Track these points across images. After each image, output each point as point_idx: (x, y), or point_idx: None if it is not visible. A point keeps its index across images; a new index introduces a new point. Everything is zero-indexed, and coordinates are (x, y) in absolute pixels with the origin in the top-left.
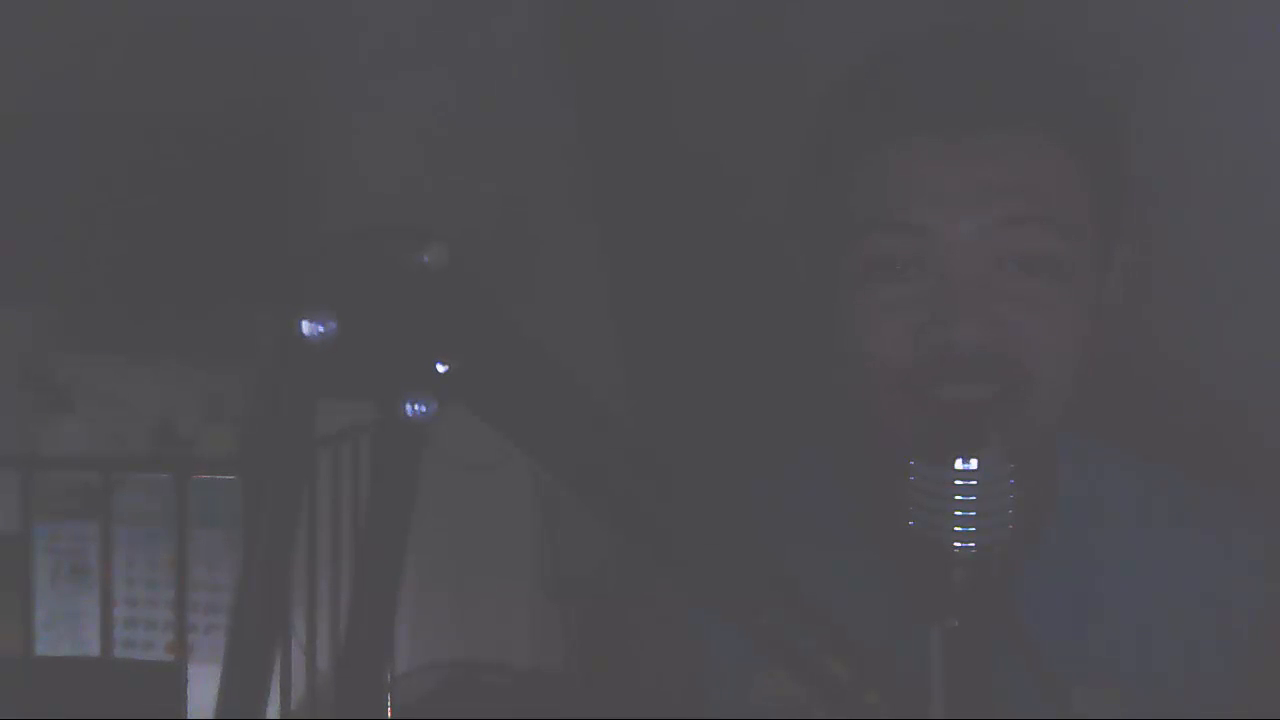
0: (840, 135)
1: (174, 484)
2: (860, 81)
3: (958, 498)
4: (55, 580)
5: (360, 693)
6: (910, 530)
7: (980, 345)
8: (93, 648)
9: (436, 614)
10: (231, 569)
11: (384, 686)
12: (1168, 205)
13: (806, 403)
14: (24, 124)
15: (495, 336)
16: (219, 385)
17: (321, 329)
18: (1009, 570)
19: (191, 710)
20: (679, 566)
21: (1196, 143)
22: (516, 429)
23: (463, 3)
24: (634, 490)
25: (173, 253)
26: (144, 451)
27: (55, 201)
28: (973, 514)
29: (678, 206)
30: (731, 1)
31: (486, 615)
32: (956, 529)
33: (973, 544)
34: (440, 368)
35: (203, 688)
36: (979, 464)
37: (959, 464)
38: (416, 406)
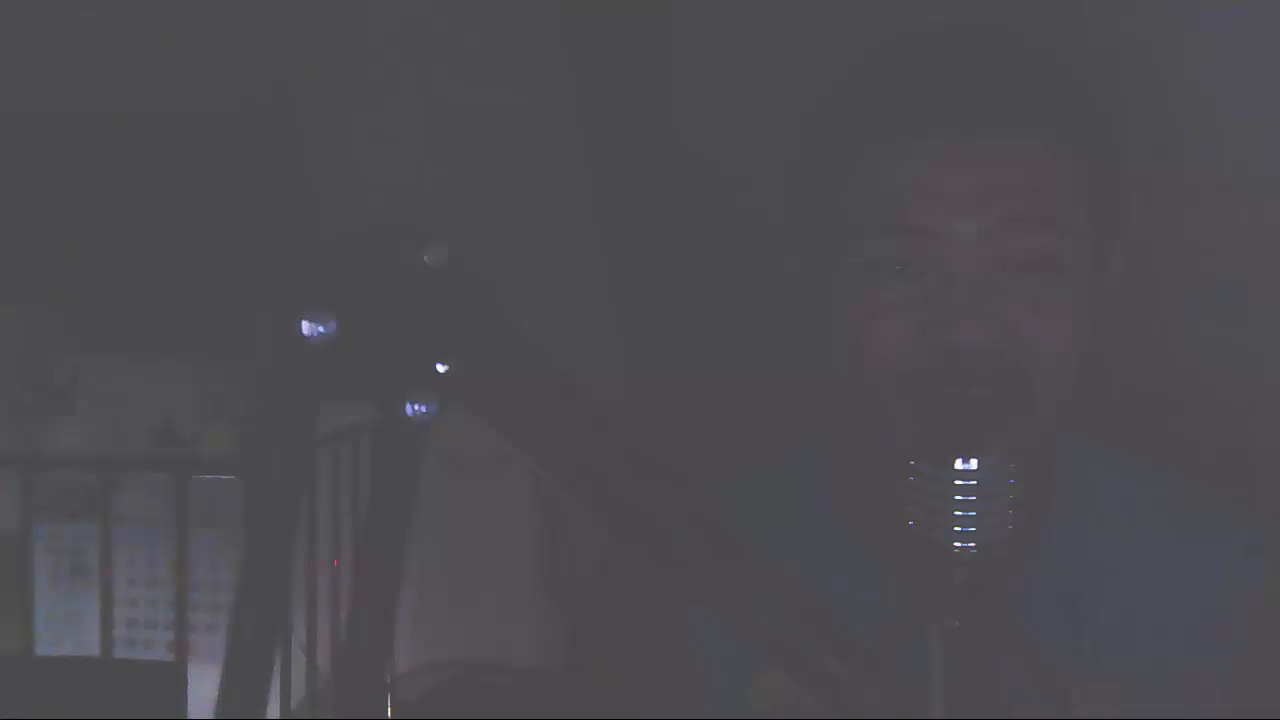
0: (840, 136)
1: (174, 484)
2: (860, 82)
3: (958, 498)
4: (55, 580)
5: (360, 693)
6: (910, 530)
7: (981, 346)
8: (93, 648)
9: (436, 614)
10: (231, 569)
11: (384, 686)
12: (1168, 205)
13: (806, 403)
14: (24, 124)
15: (495, 336)
16: (219, 385)
17: (322, 329)
18: (1009, 570)
19: (191, 710)
20: (678, 566)
21: (1196, 143)
22: (516, 429)
23: (463, 2)
24: (634, 490)
25: (173, 252)
26: (144, 451)
27: (55, 201)
28: (973, 514)
29: (678, 206)
30: (732, 2)
31: (486, 615)
32: (956, 529)
33: (973, 544)
34: (440, 368)
35: (203, 688)
36: (979, 464)
37: (959, 464)
38: (416, 406)
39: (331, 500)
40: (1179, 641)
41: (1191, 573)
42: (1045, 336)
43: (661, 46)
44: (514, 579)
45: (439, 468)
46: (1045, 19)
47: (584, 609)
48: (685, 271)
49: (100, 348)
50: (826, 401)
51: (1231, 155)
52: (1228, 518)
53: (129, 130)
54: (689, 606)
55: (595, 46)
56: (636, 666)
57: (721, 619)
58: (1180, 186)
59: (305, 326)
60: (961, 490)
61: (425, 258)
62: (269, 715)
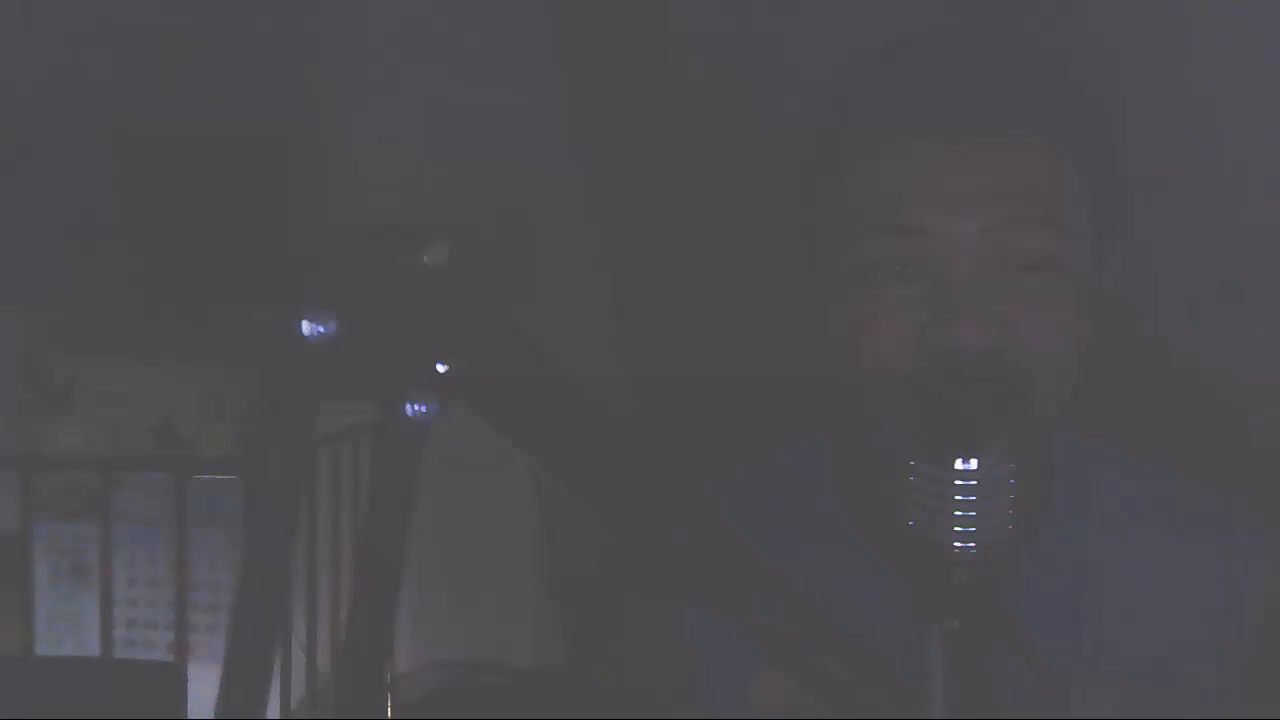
0: (840, 136)
1: (174, 484)
2: (860, 82)
3: (958, 498)
4: (55, 580)
5: (360, 693)
6: (910, 530)
7: (981, 346)
8: (93, 648)
9: (436, 614)
10: (231, 569)
11: (384, 686)
12: (1168, 205)
13: (806, 403)
14: (24, 124)
15: (495, 336)
16: (219, 385)
17: (322, 329)
18: (1009, 570)
19: (191, 710)
20: (678, 566)
21: (1196, 143)
22: (516, 429)
23: (463, 2)
24: (634, 490)
25: (173, 252)
26: (144, 451)
27: (55, 201)
28: (973, 514)
29: (678, 206)
30: (732, 2)
31: (486, 615)
32: (956, 529)
33: (973, 544)
34: (440, 368)
35: (203, 688)
36: (979, 464)
37: (959, 464)
38: (416, 406)
39: (331, 500)
40: (1179, 641)
41: (1191, 573)
42: (1045, 336)
43: (661, 46)
44: (514, 579)
45: (439, 468)
46: (1045, 19)
47: (584, 609)
48: (685, 271)
49: (100, 348)
50: (826, 401)
51: (1231, 155)
52: (1228, 518)
53: (129, 130)
54: (689, 606)
55: (595, 46)
56: (636, 666)
57: (721, 619)
58: (1180, 186)
59: (305, 326)
60: (961, 490)
61: (425, 258)
62: (269, 715)
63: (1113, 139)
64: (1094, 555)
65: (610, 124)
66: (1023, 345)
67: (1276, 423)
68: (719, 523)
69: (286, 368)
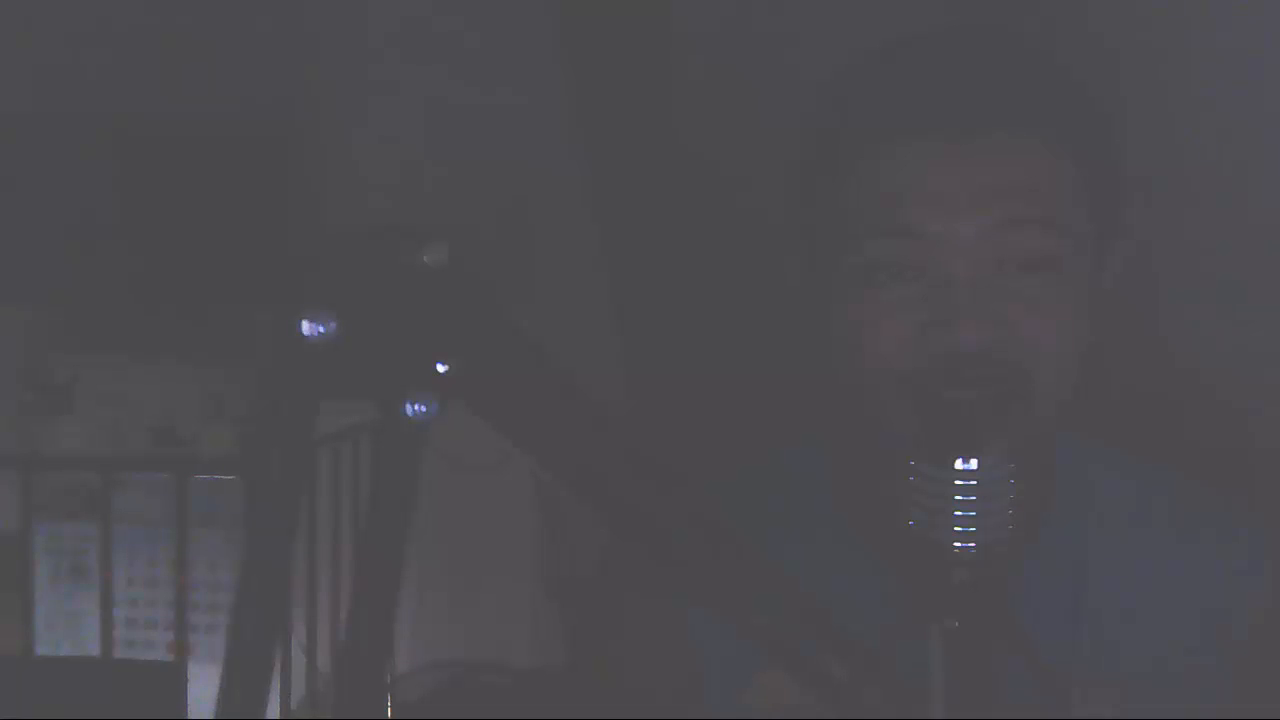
0: (840, 137)
1: (174, 484)
2: (860, 82)
3: (958, 498)
4: (55, 580)
5: (360, 693)
6: (910, 530)
7: (981, 346)
8: (93, 648)
9: (436, 614)
10: (231, 569)
11: (384, 686)
12: (1168, 205)
13: (806, 403)
14: (24, 124)
15: (495, 336)
16: (219, 385)
17: (322, 329)
18: (1009, 570)
19: (191, 710)
20: (678, 566)
21: (1196, 143)
22: (516, 429)
23: (463, 2)
24: (634, 490)
25: (173, 252)
26: (144, 451)
27: (55, 201)
28: (973, 514)
29: (678, 206)
30: (732, 2)
31: (486, 615)
32: (956, 529)
33: (973, 544)
34: (440, 368)
35: (203, 688)
36: (979, 464)
37: (959, 464)
38: (416, 406)
39: (331, 500)
40: (1179, 641)
41: (1191, 573)
42: (1045, 337)
43: (661, 46)
44: (514, 579)
45: (439, 468)
46: (1045, 19)
47: (584, 609)
48: (685, 271)
49: (100, 348)
50: (826, 401)
51: (1231, 155)
52: (1228, 518)
53: (129, 130)
54: (689, 606)
55: (595, 46)
56: (636, 666)
57: (721, 619)
58: (1180, 186)
59: (305, 326)
60: (961, 490)
61: (425, 258)
62: (269, 715)
63: (1113, 139)
64: (1094, 555)
65: (610, 124)
66: (1023, 345)
67: (1276, 423)
68: (719, 523)
69: (286, 368)
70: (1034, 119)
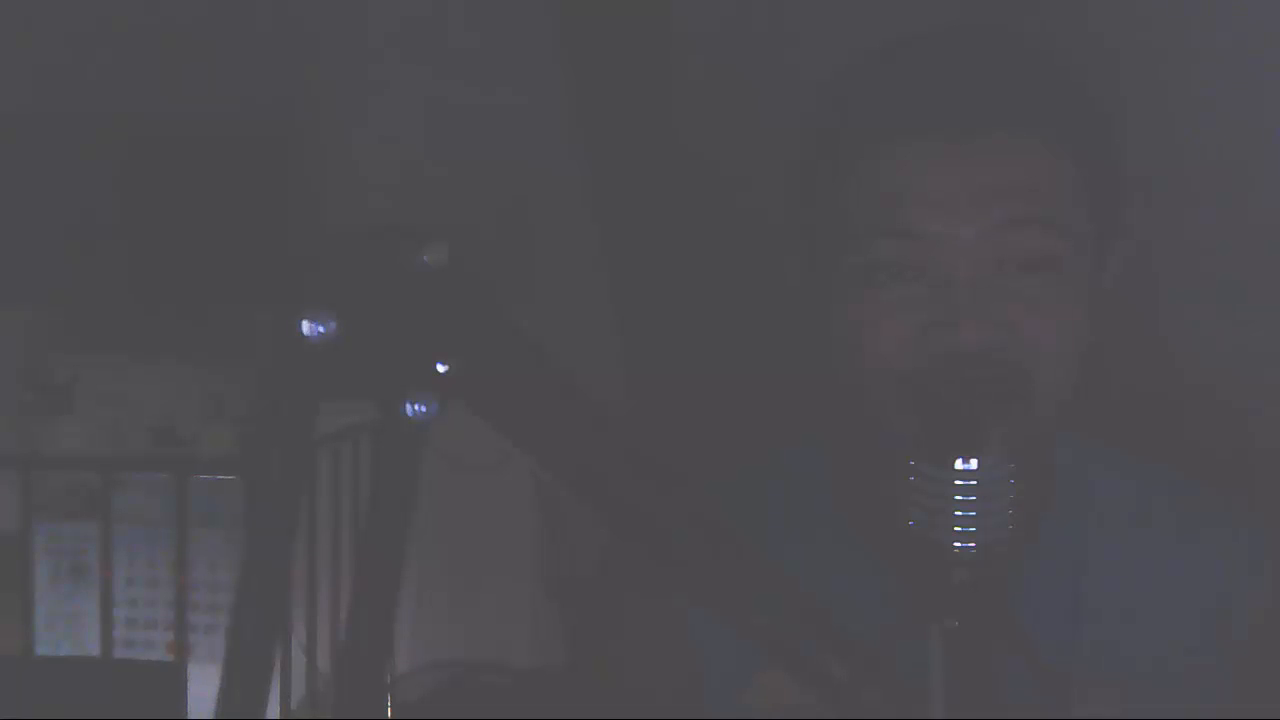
0: (840, 137)
1: (174, 484)
2: (860, 82)
3: (958, 498)
4: (55, 580)
5: (360, 693)
6: (910, 530)
7: (982, 346)
8: (93, 648)
9: (436, 614)
10: (231, 569)
11: (384, 686)
12: (1168, 205)
13: (806, 403)
14: (24, 124)
15: (495, 336)
16: (219, 385)
17: (322, 329)
18: (1009, 570)
19: (191, 710)
20: (678, 566)
21: (1196, 143)
22: (516, 429)
23: (463, 2)
24: (634, 490)
25: (173, 252)
26: (144, 451)
27: (55, 201)
28: (973, 514)
29: (678, 206)
30: (732, 2)
31: (486, 615)
32: (956, 529)
33: (973, 544)
34: (440, 368)
35: (203, 688)
36: (979, 464)
37: (959, 464)
38: (416, 406)
39: (331, 500)
40: (1179, 641)
41: (1191, 573)
42: (1045, 337)
43: (661, 46)
44: (514, 579)
45: (439, 468)
46: (1045, 19)
47: (584, 609)
48: (685, 271)
49: (100, 348)
50: (826, 401)
51: (1231, 155)
52: (1228, 518)
53: (129, 130)
54: (689, 606)
55: (595, 46)
56: (636, 666)
57: (721, 619)
58: (1180, 186)
59: (305, 326)
60: (961, 490)
61: (425, 258)
62: (269, 715)
63: (1113, 139)
64: (1094, 555)
65: (610, 124)
66: (1023, 346)
67: (1276, 423)
68: (719, 523)
69: (286, 368)
70: (1034, 119)
